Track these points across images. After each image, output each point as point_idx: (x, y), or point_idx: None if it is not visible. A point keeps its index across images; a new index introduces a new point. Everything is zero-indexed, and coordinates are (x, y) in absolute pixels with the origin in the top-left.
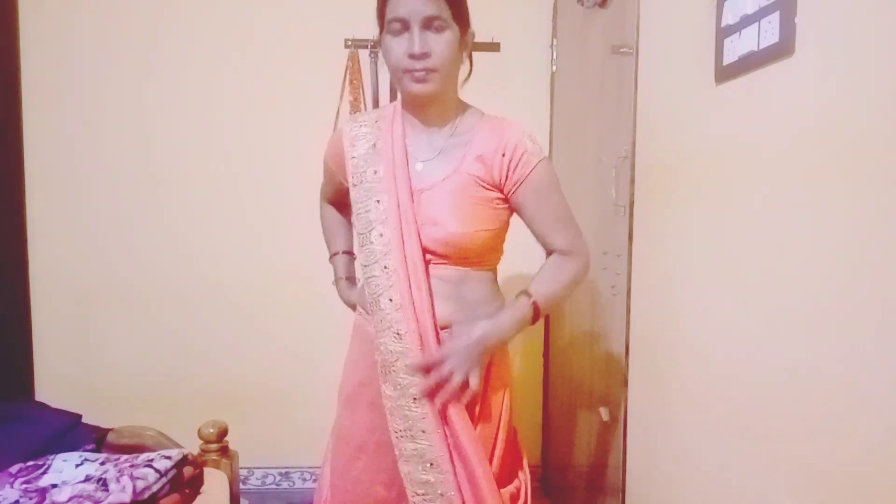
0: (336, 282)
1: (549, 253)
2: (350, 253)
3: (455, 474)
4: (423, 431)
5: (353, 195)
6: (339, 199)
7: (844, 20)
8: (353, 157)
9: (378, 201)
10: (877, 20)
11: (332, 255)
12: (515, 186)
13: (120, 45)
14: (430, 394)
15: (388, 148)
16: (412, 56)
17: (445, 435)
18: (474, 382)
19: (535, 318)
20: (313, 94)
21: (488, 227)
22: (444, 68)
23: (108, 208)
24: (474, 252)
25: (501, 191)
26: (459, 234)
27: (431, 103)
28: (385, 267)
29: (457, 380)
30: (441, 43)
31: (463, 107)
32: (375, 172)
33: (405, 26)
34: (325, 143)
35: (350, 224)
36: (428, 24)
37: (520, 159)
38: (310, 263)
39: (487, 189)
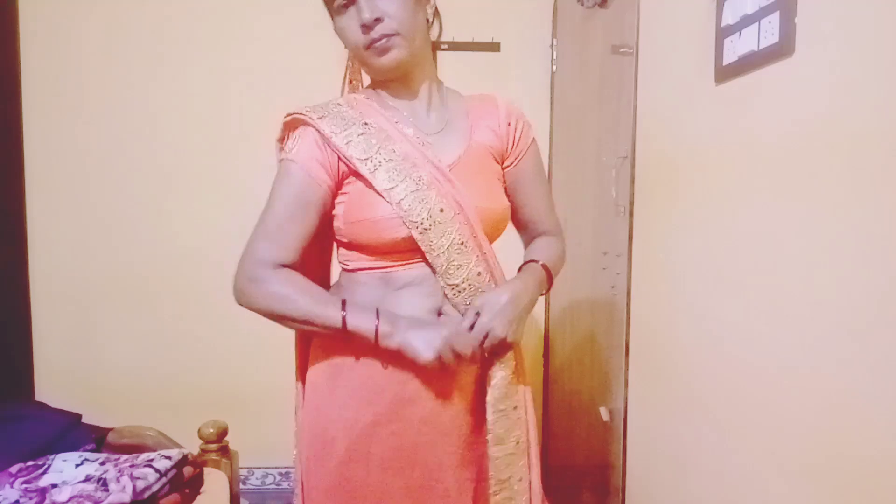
0: (383, 325)
1: (529, 240)
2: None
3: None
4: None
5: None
6: (302, 251)
7: (844, 20)
8: (350, 142)
9: (419, 178)
10: (876, 20)
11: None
12: (517, 159)
13: (120, 46)
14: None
15: (388, 125)
16: (365, 26)
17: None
18: (512, 337)
19: (548, 282)
20: (313, 93)
21: (507, 201)
22: (405, 28)
23: (108, 208)
24: (502, 227)
25: (502, 164)
26: (501, 210)
27: (408, 73)
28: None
29: (497, 334)
30: (392, 3)
31: (438, 78)
32: (394, 151)
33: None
34: None
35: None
36: None
37: (523, 130)
38: None
39: (497, 162)
